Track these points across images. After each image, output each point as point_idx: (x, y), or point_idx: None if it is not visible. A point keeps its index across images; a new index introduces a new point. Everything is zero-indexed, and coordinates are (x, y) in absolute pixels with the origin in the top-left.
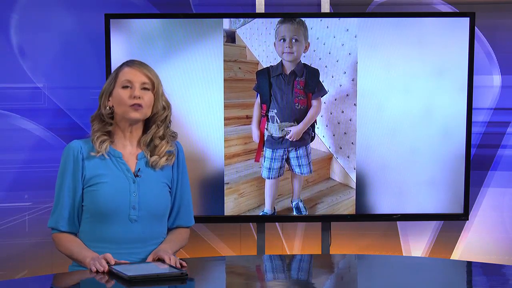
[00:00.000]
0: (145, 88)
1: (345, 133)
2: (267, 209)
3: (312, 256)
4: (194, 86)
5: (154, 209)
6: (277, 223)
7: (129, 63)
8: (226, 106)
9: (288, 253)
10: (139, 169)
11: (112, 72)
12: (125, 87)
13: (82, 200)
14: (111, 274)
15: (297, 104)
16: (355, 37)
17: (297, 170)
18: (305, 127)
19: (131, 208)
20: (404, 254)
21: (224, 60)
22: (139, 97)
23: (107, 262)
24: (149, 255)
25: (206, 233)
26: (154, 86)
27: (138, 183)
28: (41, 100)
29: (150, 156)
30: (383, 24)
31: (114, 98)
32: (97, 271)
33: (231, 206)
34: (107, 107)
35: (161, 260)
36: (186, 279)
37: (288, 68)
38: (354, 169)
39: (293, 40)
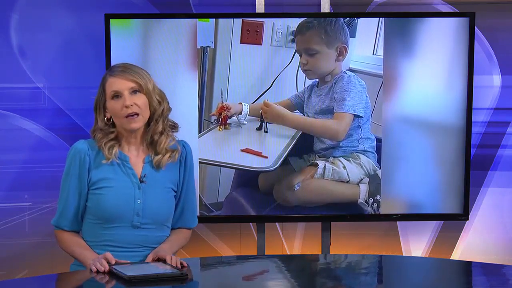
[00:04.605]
0: (134, 92)
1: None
2: None
3: (312, 256)
4: (193, 87)
5: (158, 216)
6: (277, 223)
7: (111, 72)
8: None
9: (288, 253)
10: (145, 174)
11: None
12: (115, 97)
13: (86, 201)
14: (111, 274)
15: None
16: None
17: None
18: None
19: (135, 215)
20: (404, 254)
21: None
22: (132, 105)
23: (108, 262)
24: (149, 254)
25: (206, 233)
26: (142, 87)
27: (143, 189)
28: (41, 100)
29: (154, 156)
30: (383, 24)
31: (110, 110)
32: (97, 271)
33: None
34: (105, 119)
35: (161, 260)
36: (185, 280)
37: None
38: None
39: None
